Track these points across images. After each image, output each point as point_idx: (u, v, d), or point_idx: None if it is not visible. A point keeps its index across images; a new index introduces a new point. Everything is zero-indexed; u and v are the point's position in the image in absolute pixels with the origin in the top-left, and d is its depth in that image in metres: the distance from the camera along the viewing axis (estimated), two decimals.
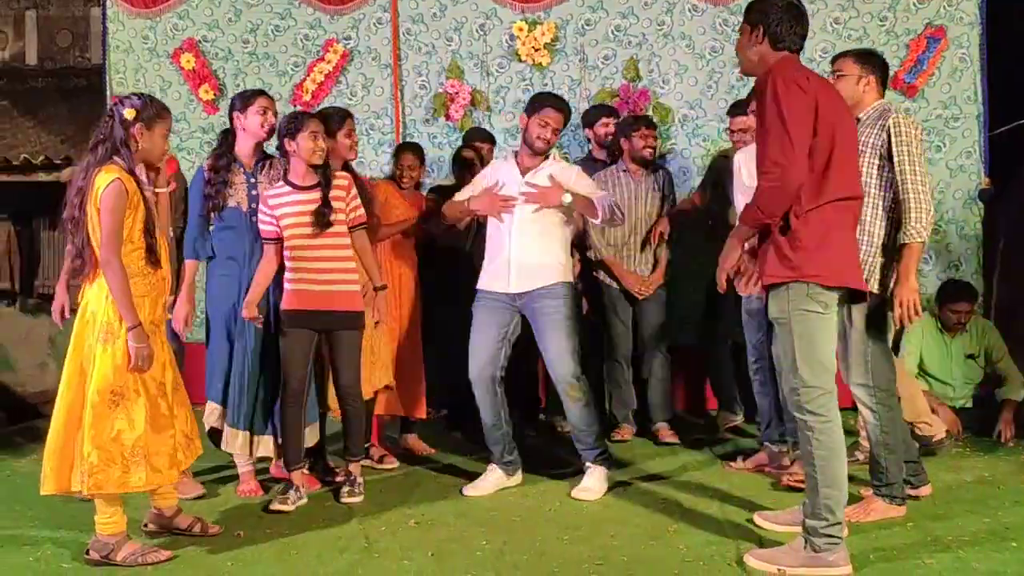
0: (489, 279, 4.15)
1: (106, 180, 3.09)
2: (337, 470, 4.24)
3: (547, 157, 4.14)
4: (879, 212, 3.53)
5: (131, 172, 3.18)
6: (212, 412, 3.99)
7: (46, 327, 7.90)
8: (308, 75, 6.23)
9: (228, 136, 4.08)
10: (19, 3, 8.34)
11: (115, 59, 6.39)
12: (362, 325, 3.98)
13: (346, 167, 4.25)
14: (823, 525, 3.00)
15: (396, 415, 4.72)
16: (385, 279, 4.25)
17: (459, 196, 4.28)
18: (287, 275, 3.88)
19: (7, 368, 7.83)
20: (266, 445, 4.01)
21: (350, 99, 6.16)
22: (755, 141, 3.23)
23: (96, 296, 3.18)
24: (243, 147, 4.06)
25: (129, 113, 3.18)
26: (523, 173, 4.10)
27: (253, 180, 4.03)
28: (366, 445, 4.47)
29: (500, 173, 4.20)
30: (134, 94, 3.31)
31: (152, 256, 3.20)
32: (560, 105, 4.13)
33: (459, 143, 5.63)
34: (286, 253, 3.86)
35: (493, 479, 4.13)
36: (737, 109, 4.69)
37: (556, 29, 6.04)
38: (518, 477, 4.19)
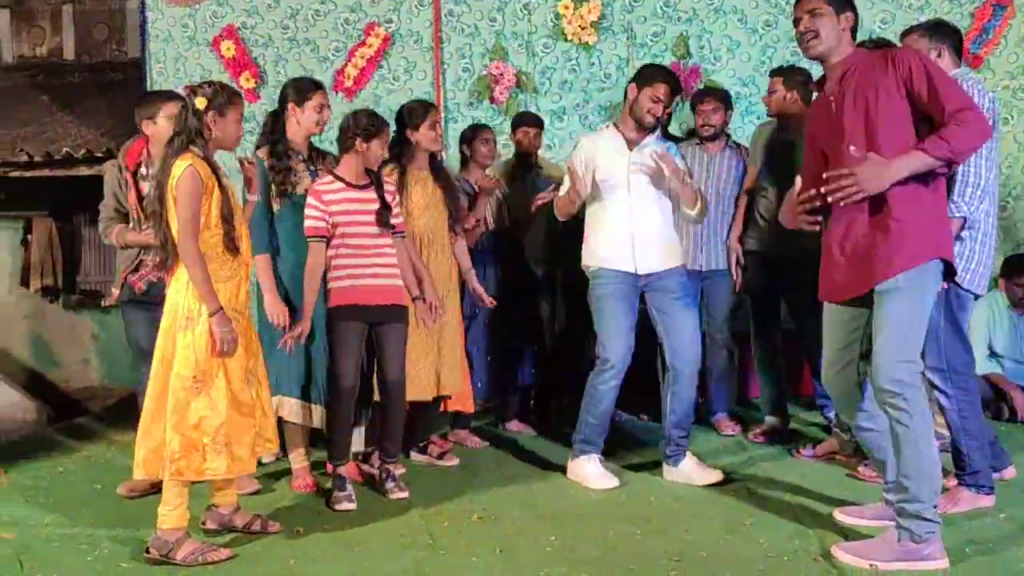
0: (611, 257, 3.98)
1: (180, 168, 3.09)
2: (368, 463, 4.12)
3: (653, 131, 4.02)
4: None
5: (207, 160, 3.16)
6: (283, 405, 3.83)
7: (89, 323, 7.89)
8: (349, 60, 6.10)
9: (278, 120, 3.94)
10: None
11: (155, 48, 6.30)
12: (407, 320, 3.88)
13: (432, 159, 4.19)
14: (924, 508, 2.83)
15: (446, 410, 4.59)
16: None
17: (564, 190, 4.11)
18: (333, 273, 3.75)
19: (51, 365, 7.83)
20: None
21: (392, 84, 6.04)
22: (851, 130, 2.96)
23: (176, 285, 3.17)
24: (295, 136, 3.94)
25: (201, 102, 3.16)
26: (630, 146, 3.98)
27: (313, 168, 3.93)
28: (424, 442, 4.39)
29: (600, 146, 4.03)
30: (205, 83, 3.28)
31: (230, 242, 3.17)
32: (675, 84, 4.00)
33: (504, 126, 5.48)
34: (333, 251, 3.74)
35: (601, 466, 3.99)
36: (779, 71, 4.58)
37: (603, 6, 5.86)
38: None
